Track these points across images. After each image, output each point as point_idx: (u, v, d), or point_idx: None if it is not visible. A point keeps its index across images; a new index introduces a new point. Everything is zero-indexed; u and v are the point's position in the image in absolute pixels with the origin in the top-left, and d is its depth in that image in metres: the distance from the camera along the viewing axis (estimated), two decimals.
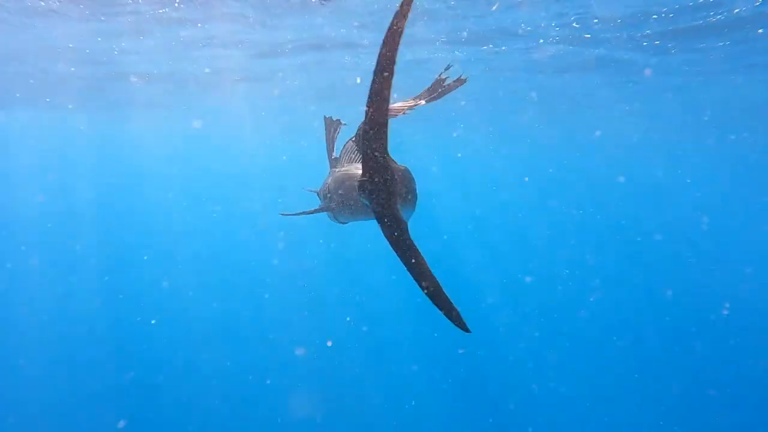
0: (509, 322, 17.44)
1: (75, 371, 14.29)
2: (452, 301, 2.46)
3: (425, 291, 2.45)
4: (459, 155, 43.72)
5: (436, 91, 3.43)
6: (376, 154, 2.50)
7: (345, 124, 4.29)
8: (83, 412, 12.65)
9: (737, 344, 15.87)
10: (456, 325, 2.47)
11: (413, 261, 2.48)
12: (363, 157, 2.56)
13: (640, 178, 49.87)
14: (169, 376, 14.26)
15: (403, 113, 3.02)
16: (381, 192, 2.61)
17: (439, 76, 3.49)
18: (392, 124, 2.38)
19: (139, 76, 16.45)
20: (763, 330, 16.74)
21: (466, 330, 2.49)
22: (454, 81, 3.45)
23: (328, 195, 3.82)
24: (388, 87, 2.26)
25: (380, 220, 2.64)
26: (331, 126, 4.35)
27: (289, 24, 10.80)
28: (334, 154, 4.24)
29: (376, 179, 2.59)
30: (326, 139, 4.30)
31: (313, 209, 4.07)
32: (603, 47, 12.39)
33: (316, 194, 4.44)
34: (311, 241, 24.51)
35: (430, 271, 2.47)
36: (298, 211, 4.05)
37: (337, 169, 3.90)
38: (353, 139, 3.61)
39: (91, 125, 28.47)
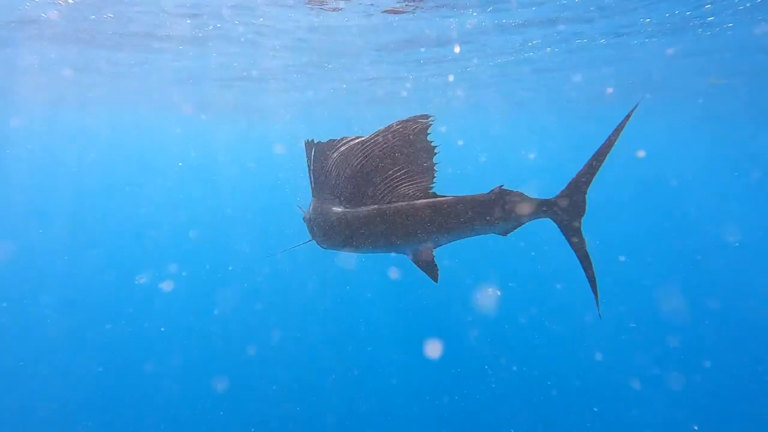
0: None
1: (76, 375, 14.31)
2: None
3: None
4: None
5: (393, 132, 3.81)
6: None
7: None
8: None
9: None
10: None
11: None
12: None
13: None
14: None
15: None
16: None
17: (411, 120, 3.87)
18: None
19: None
20: None
21: None
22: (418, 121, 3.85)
23: (312, 226, 4.28)
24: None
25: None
26: (310, 147, 4.23)
27: None
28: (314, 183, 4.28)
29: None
30: (308, 164, 4.22)
31: (301, 243, 4.56)
32: None
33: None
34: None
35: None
36: (288, 247, 4.62)
37: (318, 200, 4.19)
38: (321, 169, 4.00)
39: None
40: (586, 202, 3.55)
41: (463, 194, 3.81)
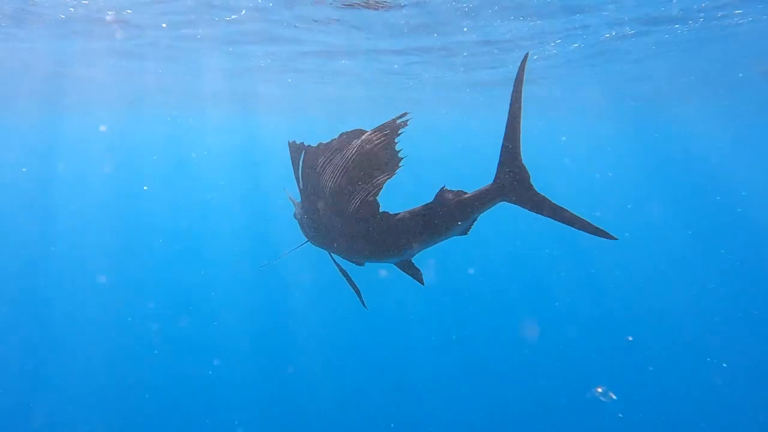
0: None
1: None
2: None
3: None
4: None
5: (386, 130, 3.65)
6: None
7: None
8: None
9: None
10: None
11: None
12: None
13: None
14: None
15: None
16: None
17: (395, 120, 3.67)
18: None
19: None
20: None
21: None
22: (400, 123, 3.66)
23: (302, 227, 4.32)
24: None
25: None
26: (295, 151, 4.11)
27: None
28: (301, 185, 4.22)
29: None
30: (293, 166, 4.11)
31: (296, 246, 4.57)
32: None
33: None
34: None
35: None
36: (283, 254, 4.63)
37: (307, 203, 4.12)
38: (306, 170, 3.92)
39: None
40: (524, 168, 3.40)
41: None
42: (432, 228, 3.68)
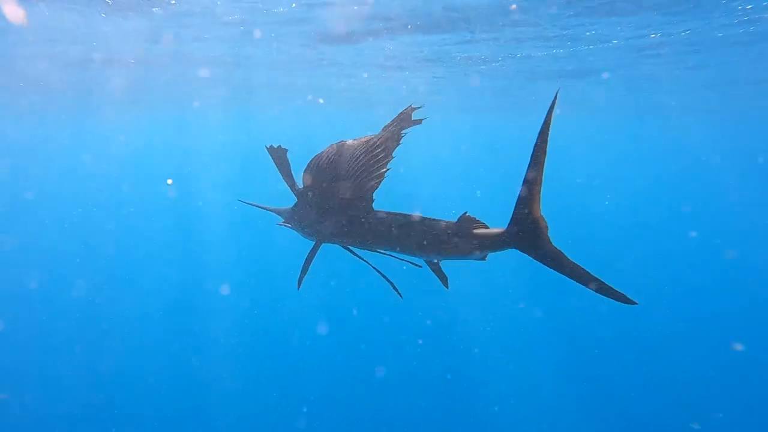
0: None
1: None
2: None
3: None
4: None
5: (400, 125, 3.81)
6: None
7: (287, 150, 4.25)
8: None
9: None
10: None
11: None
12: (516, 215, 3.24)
13: None
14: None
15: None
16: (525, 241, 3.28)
17: (407, 109, 3.86)
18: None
19: None
20: None
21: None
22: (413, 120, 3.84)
23: (305, 228, 4.31)
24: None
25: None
26: (277, 155, 4.22)
27: None
28: (296, 184, 4.24)
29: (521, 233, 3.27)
30: (279, 170, 4.22)
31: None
32: None
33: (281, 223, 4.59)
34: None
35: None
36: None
37: (309, 203, 4.14)
38: (315, 169, 3.93)
39: None
40: (541, 219, 3.14)
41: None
42: (440, 248, 3.68)
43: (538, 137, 2.89)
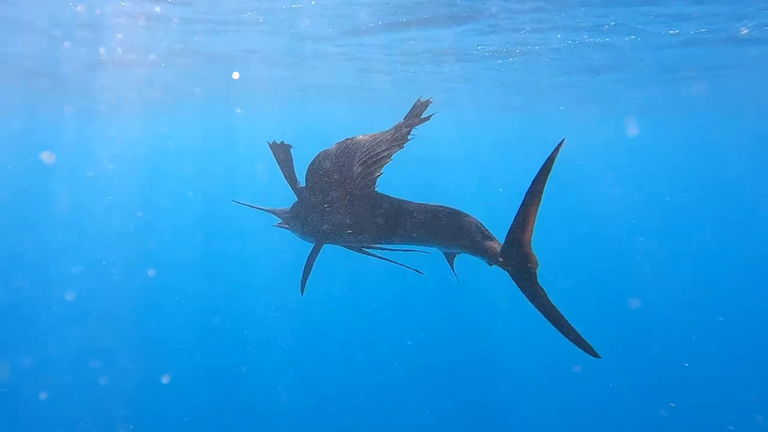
0: None
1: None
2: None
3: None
4: None
5: (414, 116, 3.70)
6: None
7: (292, 146, 4.12)
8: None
9: None
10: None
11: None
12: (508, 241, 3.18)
13: None
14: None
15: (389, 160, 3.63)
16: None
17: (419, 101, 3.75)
18: None
19: None
20: None
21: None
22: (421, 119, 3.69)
23: (306, 228, 4.16)
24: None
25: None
26: (280, 151, 4.11)
27: None
28: (298, 183, 4.15)
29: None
30: (281, 167, 4.12)
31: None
32: None
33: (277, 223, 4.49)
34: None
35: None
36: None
37: (311, 201, 4.00)
38: (321, 163, 3.82)
39: None
40: (529, 258, 3.09)
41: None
42: (448, 238, 3.63)
43: (536, 179, 2.85)
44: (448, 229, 3.56)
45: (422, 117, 3.67)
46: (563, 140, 2.78)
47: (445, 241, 3.64)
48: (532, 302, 3.07)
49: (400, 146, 3.59)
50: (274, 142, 4.08)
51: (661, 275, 21.95)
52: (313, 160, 3.82)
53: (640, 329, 16.76)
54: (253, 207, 4.64)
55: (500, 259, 3.23)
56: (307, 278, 4.03)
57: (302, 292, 4.06)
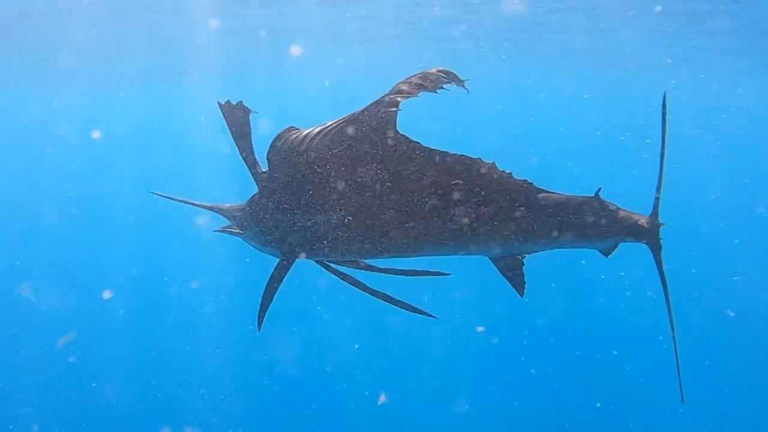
0: None
1: None
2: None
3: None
4: None
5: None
6: None
7: (256, 112, 3.10)
8: None
9: None
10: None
11: None
12: None
13: None
14: None
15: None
16: None
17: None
18: None
19: None
20: None
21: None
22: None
23: (268, 234, 3.03)
24: None
25: None
26: (235, 115, 3.05)
27: None
28: (259, 166, 3.10)
29: None
30: (235, 139, 3.07)
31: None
32: None
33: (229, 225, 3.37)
34: None
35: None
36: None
37: (275, 195, 2.93)
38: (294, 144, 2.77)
39: None
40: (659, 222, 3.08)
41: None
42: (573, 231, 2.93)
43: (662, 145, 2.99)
44: (599, 223, 2.93)
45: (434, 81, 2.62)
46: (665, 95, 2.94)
47: (593, 240, 3.04)
48: (658, 269, 3.05)
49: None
50: (228, 103, 3.04)
51: None
52: (280, 136, 2.79)
53: None
54: (183, 202, 3.49)
55: (648, 228, 3.04)
56: (266, 309, 2.94)
57: (259, 327, 2.97)
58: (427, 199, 2.71)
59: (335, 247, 2.85)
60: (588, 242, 3.02)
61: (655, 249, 3.00)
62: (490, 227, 2.77)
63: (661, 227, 3.00)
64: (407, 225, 2.75)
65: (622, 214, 2.97)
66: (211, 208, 3.39)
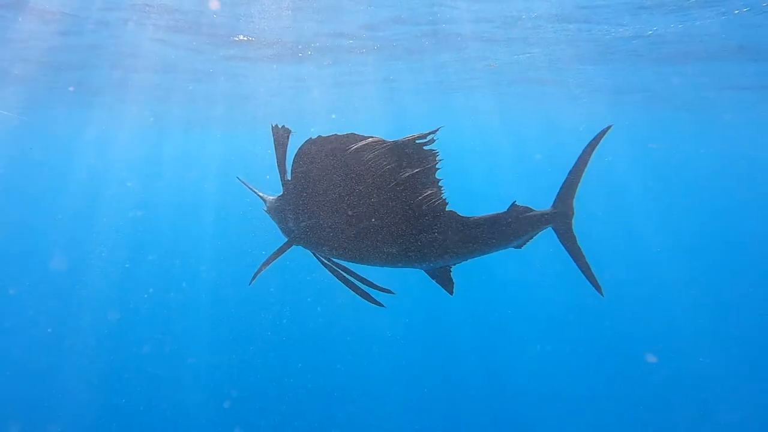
0: None
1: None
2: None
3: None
4: None
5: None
6: None
7: (293, 132, 3.92)
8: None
9: None
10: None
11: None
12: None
13: None
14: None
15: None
16: None
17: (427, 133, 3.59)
18: None
19: None
20: None
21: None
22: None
23: (282, 224, 4.13)
24: None
25: None
26: (279, 136, 3.89)
27: None
28: (287, 176, 3.97)
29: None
30: (276, 153, 3.93)
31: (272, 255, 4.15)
32: None
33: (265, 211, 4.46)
34: None
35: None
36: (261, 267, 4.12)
37: (297, 198, 3.90)
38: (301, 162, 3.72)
39: None
40: (572, 207, 4.08)
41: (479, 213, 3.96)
42: (499, 237, 3.98)
43: (587, 147, 3.91)
44: (515, 228, 4.01)
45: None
46: (609, 126, 3.87)
47: (511, 241, 4.06)
48: (564, 244, 4.06)
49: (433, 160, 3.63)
50: (276, 126, 3.91)
51: None
52: (302, 150, 3.64)
53: None
54: (251, 189, 4.64)
55: (552, 215, 4.03)
56: (261, 270, 3.98)
57: (251, 281, 4.04)
58: (399, 225, 3.79)
59: (320, 245, 3.94)
60: (510, 243, 4.06)
61: (560, 229, 4.05)
62: (440, 247, 3.90)
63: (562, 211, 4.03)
64: (378, 241, 3.82)
65: (530, 213, 4.01)
66: (261, 197, 4.50)
